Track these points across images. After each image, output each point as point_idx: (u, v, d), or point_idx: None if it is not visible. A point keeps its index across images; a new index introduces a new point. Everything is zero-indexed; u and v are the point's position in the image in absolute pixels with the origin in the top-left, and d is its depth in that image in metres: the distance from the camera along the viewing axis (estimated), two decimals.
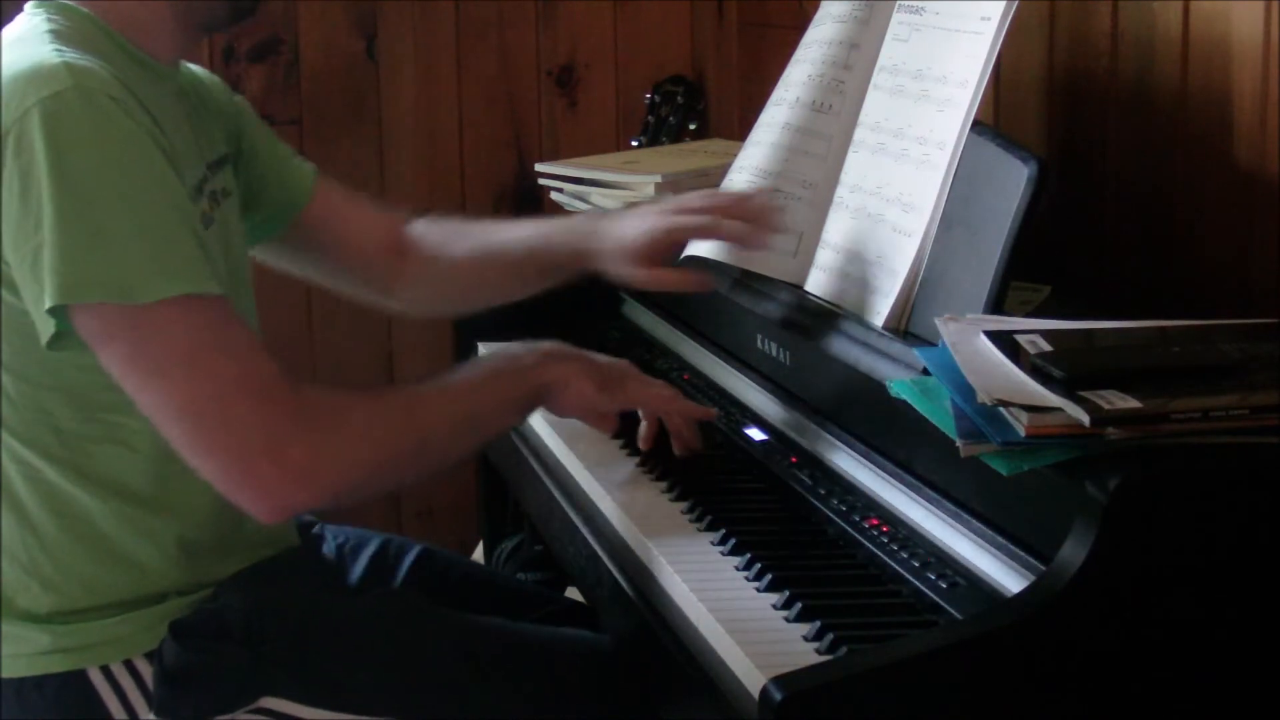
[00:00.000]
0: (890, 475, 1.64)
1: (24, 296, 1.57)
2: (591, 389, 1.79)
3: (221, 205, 1.81)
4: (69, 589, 1.68)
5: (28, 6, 1.72)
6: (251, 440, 1.53)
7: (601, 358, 1.86)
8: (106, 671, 1.67)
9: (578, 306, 2.57)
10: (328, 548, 2.01)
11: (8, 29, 1.71)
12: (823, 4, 2.04)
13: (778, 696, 1.24)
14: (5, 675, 1.68)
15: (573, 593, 2.20)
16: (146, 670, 1.66)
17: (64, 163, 1.53)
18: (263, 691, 1.65)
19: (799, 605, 1.46)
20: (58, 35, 1.63)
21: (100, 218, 1.53)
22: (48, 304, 1.52)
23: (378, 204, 2.18)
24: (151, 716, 1.65)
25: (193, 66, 1.90)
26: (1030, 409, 1.34)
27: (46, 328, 1.55)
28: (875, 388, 1.63)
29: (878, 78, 1.87)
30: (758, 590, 1.53)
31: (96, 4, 1.70)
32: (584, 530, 1.78)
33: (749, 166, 2.02)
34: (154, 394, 1.55)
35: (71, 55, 1.59)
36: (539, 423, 2.10)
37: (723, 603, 1.49)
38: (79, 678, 1.67)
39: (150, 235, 1.54)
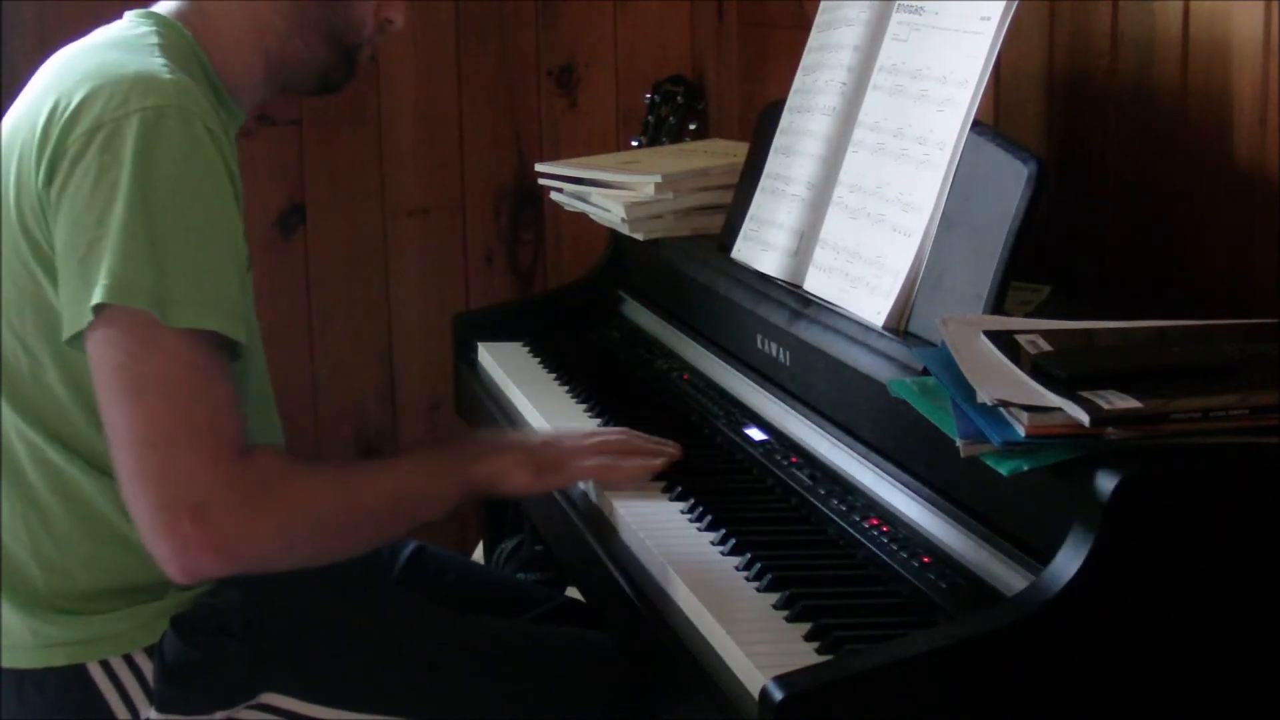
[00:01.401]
0: (890, 475, 1.64)
1: (61, 287, 1.59)
2: (528, 478, 1.77)
3: None
4: (71, 570, 1.68)
5: (131, 15, 1.76)
6: (183, 496, 1.53)
7: (539, 438, 1.87)
8: (106, 666, 1.67)
9: (578, 306, 2.58)
10: None
11: (104, 31, 1.75)
12: (825, 4, 2.05)
13: (778, 696, 1.24)
14: (6, 665, 1.68)
15: (573, 593, 2.20)
16: (147, 665, 1.67)
17: (148, 174, 1.55)
18: (263, 687, 1.65)
19: (799, 605, 1.46)
20: (165, 51, 1.67)
21: (163, 234, 1.55)
22: (94, 300, 1.53)
23: None
24: (152, 712, 1.65)
25: None
26: (1030, 409, 1.34)
27: (77, 321, 1.56)
28: (875, 388, 1.63)
29: (877, 78, 1.87)
30: (758, 590, 1.53)
31: (196, 32, 1.74)
32: (584, 530, 1.78)
33: (800, 179, 2.01)
34: (122, 411, 1.55)
35: (180, 76, 1.63)
36: (539, 422, 2.10)
37: (723, 602, 1.49)
38: (79, 672, 1.67)
39: (201, 265, 1.57)
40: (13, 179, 1.64)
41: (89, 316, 1.55)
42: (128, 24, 1.75)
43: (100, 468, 1.66)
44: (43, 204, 1.61)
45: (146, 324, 1.54)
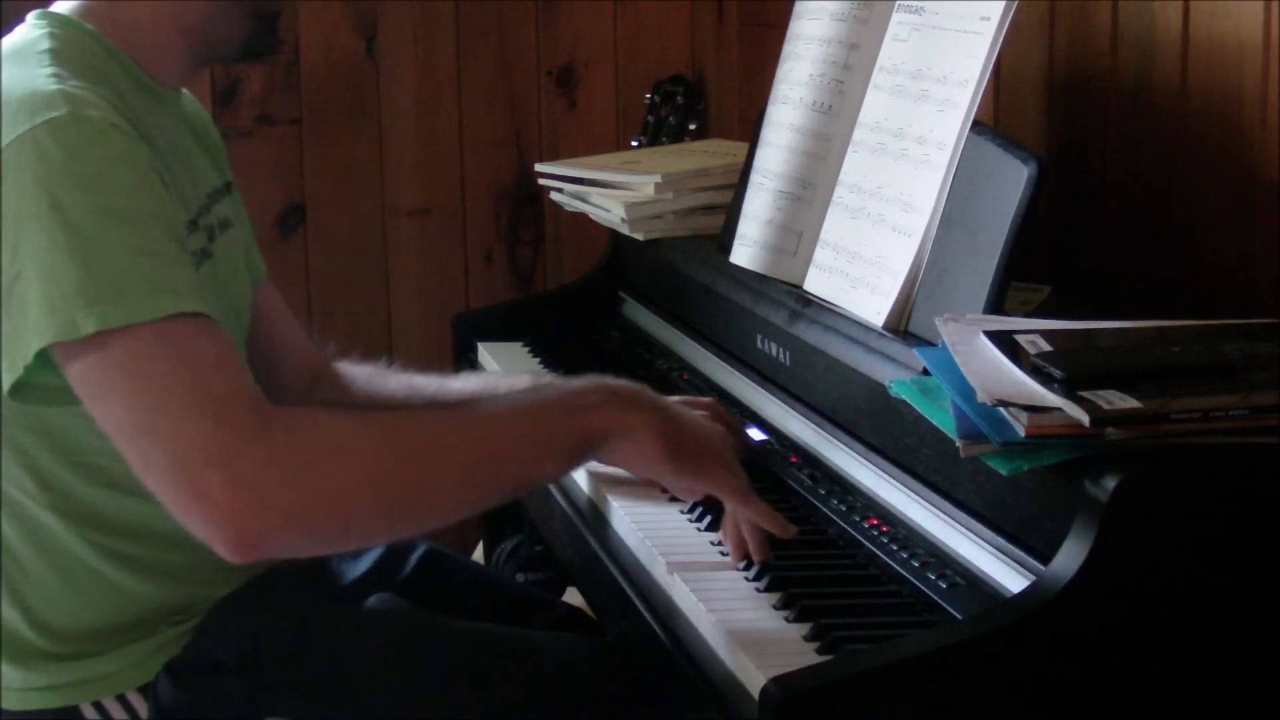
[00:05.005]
0: (890, 475, 1.64)
1: None
2: (659, 451, 1.53)
3: (219, 238, 1.76)
4: (53, 619, 1.64)
5: (30, 18, 1.65)
6: (197, 456, 1.36)
7: (691, 415, 1.61)
8: (99, 707, 1.65)
9: (578, 306, 2.58)
10: None
11: (7, 39, 1.65)
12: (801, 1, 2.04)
13: (778, 696, 1.24)
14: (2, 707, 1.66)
15: (572, 593, 2.20)
16: (140, 704, 1.65)
17: (55, 189, 1.44)
18: (264, 714, 1.64)
19: (799, 605, 1.46)
20: (57, 55, 1.57)
21: (93, 239, 1.44)
22: (38, 346, 1.42)
23: (307, 335, 2.08)
24: None
25: (184, 92, 1.83)
26: (1030, 409, 1.34)
27: (15, 369, 1.46)
28: (875, 388, 1.63)
29: (877, 78, 1.87)
30: (757, 590, 1.53)
31: (104, 23, 1.65)
32: (584, 531, 1.78)
33: (767, 171, 2.02)
34: (113, 412, 1.43)
35: (70, 83, 1.52)
36: None
37: (723, 603, 1.49)
38: (72, 714, 1.64)
39: (142, 252, 1.45)
40: None
41: (29, 361, 1.44)
42: (23, 30, 1.64)
43: (74, 514, 1.62)
44: None
45: (103, 339, 1.42)
